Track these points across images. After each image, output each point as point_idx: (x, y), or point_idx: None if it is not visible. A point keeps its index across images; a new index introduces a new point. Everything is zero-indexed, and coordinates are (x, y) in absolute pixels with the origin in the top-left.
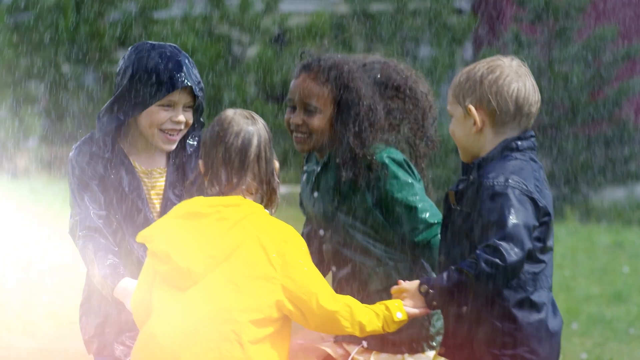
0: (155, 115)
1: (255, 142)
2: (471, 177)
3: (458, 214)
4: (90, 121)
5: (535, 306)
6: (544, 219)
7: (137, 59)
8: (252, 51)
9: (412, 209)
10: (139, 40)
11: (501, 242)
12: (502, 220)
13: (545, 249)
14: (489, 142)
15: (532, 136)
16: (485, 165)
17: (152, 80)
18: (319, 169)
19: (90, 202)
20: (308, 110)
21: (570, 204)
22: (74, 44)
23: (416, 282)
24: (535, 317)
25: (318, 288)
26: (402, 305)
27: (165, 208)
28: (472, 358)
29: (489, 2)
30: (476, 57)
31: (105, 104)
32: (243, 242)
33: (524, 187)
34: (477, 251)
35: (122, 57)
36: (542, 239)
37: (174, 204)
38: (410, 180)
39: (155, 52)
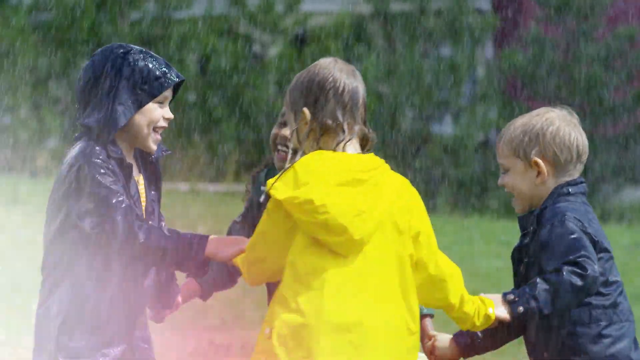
0: (153, 112)
1: (362, 86)
2: (531, 228)
3: (525, 265)
4: None
5: (609, 340)
6: (601, 255)
7: (122, 59)
8: (273, 51)
9: None
10: (161, 40)
11: (579, 258)
12: (573, 244)
13: (609, 283)
14: (550, 191)
15: (582, 182)
16: (542, 214)
17: (149, 76)
18: None
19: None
20: (284, 123)
21: (590, 204)
22: (94, 44)
23: (498, 295)
24: (610, 350)
25: (437, 250)
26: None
27: (147, 209)
28: None
29: (510, 1)
30: (497, 57)
31: (88, 111)
32: (392, 205)
33: (579, 222)
34: (558, 265)
35: (89, 64)
36: (603, 273)
37: (153, 204)
38: None
39: (135, 51)
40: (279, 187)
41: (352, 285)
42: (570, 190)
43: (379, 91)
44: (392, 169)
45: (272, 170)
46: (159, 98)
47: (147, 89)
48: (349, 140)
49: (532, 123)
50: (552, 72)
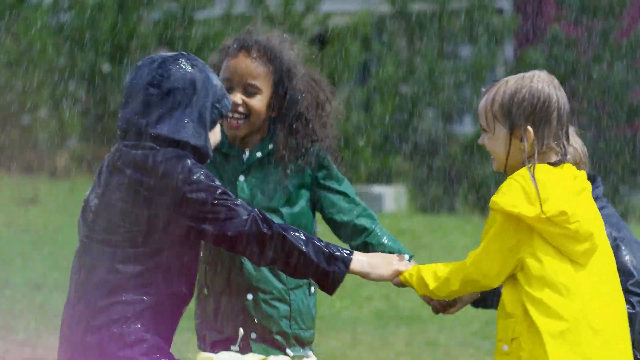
0: (217, 134)
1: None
2: None
3: None
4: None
5: None
6: None
7: (204, 73)
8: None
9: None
10: (180, 40)
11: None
12: (627, 269)
13: None
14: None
15: (597, 178)
16: None
17: (223, 94)
18: (252, 155)
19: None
20: (248, 91)
21: (609, 203)
22: (114, 44)
23: None
24: None
25: None
26: None
27: None
28: None
29: (530, 1)
30: (517, 57)
31: (172, 122)
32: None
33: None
34: (626, 297)
35: (159, 71)
36: None
37: None
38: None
39: (208, 66)
40: (517, 204)
41: (595, 291)
42: (597, 193)
43: (399, 91)
44: (411, 169)
45: None
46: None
47: (220, 107)
48: (567, 158)
49: (522, 91)
50: (572, 71)
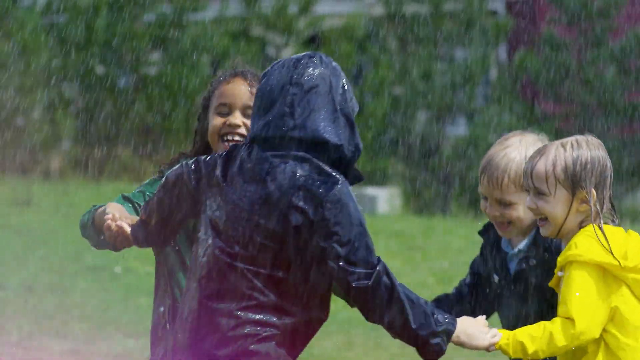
0: None
1: None
2: (538, 257)
3: (533, 291)
4: (128, 122)
5: None
6: None
7: (331, 64)
8: (287, 53)
9: None
10: (173, 41)
11: None
12: None
13: None
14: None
15: None
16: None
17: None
18: None
19: None
20: (247, 113)
21: None
22: (108, 46)
23: None
24: None
25: None
26: None
27: None
28: None
29: (524, 3)
30: (510, 59)
31: (327, 122)
32: None
33: None
34: None
35: (297, 71)
36: None
37: None
38: None
39: None
40: (602, 254)
41: None
42: None
43: (393, 93)
44: (405, 171)
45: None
46: None
47: (353, 106)
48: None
49: (584, 155)
50: (566, 74)
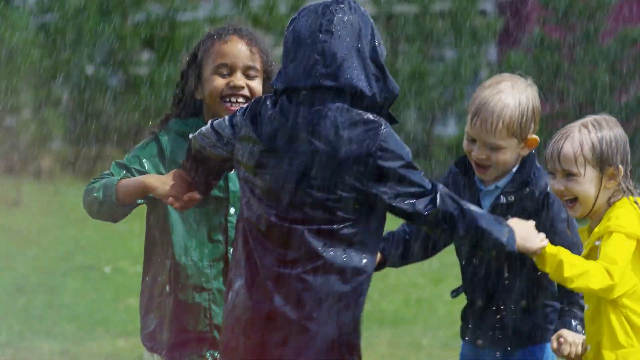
0: None
1: None
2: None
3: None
4: (118, 122)
5: None
6: None
7: (360, 9)
8: (277, 52)
9: None
10: (164, 41)
11: None
12: None
13: None
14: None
15: None
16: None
17: None
18: None
19: None
20: (248, 74)
21: None
22: (98, 46)
23: None
24: None
25: None
26: None
27: None
28: None
29: (514, 3)
30: (500, 59)
31: (360, 69)
32: None
33: None
34: None
35: (327, 17)
36: None
37: None
38: None
39: None
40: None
41: None
42: None
43: None
44: None
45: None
46: None
47: (381, 52)
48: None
49: (608, 134)
50: (556, 73)
